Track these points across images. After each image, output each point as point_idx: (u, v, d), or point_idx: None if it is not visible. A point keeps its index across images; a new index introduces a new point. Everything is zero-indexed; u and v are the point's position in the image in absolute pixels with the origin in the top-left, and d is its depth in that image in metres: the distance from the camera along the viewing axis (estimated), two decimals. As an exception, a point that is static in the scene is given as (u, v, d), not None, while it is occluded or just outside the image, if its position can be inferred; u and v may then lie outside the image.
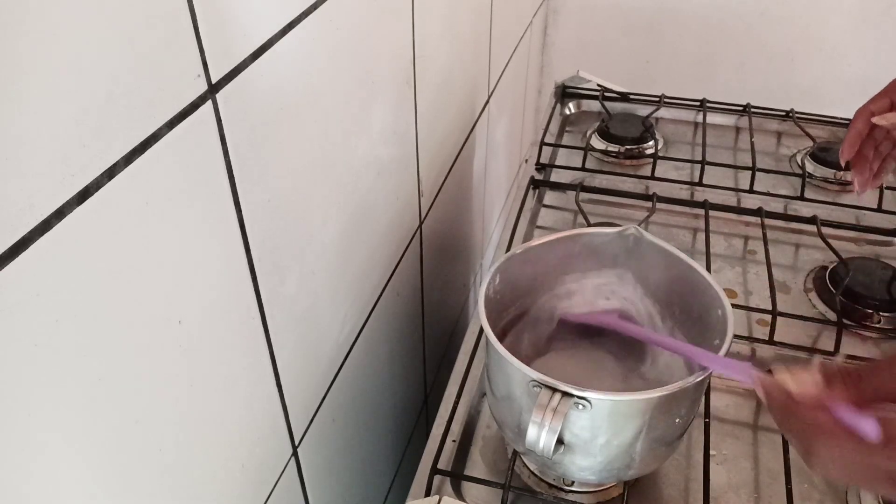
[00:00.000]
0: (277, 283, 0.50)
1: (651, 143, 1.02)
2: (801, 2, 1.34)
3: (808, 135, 1.01)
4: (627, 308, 0.64)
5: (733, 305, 0.56)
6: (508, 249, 0.81)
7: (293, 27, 0.46)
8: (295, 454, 0.58)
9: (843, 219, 0.87)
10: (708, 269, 0.76)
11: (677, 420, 0.54)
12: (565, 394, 0.48)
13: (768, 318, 0.72)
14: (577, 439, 0.51)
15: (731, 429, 0.65)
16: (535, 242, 0.62)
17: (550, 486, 0.60)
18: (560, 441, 0.51)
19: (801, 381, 0.41)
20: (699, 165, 0.94)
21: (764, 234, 0.82)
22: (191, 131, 0.38)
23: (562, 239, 0.62)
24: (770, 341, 0.71)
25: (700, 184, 0.93)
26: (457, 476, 0.61)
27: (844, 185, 0.94)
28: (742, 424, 0.65)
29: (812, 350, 0.71)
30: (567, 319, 0.63)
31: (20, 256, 0.28)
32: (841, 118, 1.05)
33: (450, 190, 0.93)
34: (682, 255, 0.59)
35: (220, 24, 0.38)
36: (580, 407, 0.49)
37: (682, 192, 0.93)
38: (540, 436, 0.48)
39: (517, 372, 0.50)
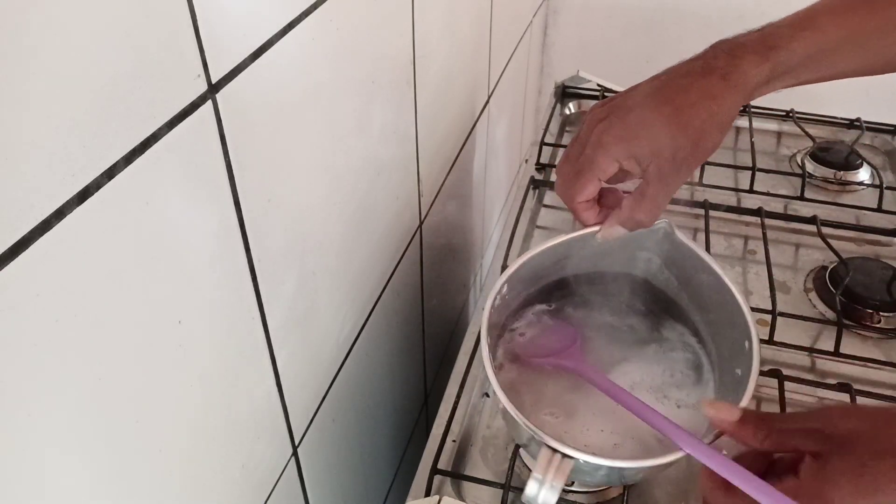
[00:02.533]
0: (277, 283, 0.50)
1: (651, 143, 1.01)
2: (802, 2, 1.33)
3: (808, 135, 1.01)
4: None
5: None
6: (508, 249, 0.81)
7: (293, 27, 0.46)
8: (295, 454, 0.58)
9: (843, 219, 0.87)
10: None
11: None
12: (566, 456, 0.46)
13: (768, 318, 0.72)
14: (579, 474, 0.52)
15: (731, 429, 0.65)
16: (537, 249, 0.59)
17: (550, 486, 0.60)
18: None
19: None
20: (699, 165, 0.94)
21: (764, 234, 0.82)
22: (191, 131, 0.38)
23: (562, 242, 0.61)
24: (770, 341, 0.71)
25: (700, 184, 0.93)
26: (457, 476, 0.61)
27: (844, 185, 0.94)
28: (742, 424, 0.65)
29: (812, 350, 0.71)
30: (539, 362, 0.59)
31: (20, 256, 0.28)
32: (841, 118, 1.05)
33: (450, 190, 0.93)
34: (715, 265, 0.57)
35: (220, 24, 0.38)
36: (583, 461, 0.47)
37: (682, 192, 0.92)
38: (539, 493, 0.46)
39: (522, 427, 0.48)
